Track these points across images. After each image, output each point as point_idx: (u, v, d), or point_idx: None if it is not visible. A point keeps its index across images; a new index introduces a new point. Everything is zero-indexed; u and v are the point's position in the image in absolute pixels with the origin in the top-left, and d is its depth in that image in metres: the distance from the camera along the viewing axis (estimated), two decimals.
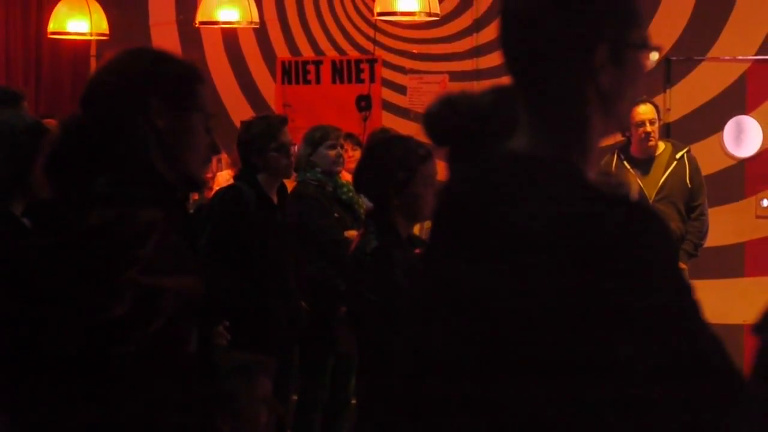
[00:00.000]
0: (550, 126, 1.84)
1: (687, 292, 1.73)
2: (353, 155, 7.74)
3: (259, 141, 5.93)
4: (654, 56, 1.89)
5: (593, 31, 1.81)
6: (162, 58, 2.60)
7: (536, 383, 1.71)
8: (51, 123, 4.32)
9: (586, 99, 1.83)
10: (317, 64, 10.13)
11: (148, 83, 2.53)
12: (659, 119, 7.65)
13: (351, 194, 6.60)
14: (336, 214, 6.57)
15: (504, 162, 1.84)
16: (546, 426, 1.72)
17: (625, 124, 1.93)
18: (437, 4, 8.05)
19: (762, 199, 8.93)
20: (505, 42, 1.88)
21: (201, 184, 2.70)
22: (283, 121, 6.17)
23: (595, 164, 1.87)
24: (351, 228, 6.49)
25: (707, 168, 8.07)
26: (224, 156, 8.83)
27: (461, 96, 2.73)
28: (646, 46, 1.87)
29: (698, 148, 8.16)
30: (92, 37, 9.04)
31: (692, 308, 1.73)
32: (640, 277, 1.69)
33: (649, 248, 1.71)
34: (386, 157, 4.11)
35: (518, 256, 1.74)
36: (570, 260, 1.70)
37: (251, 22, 8.51)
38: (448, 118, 2.70)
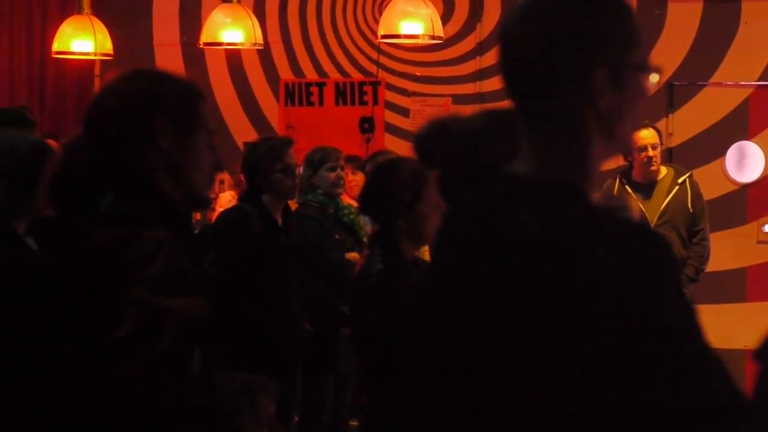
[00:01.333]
0: (551, 150, 1.85)
1: (691, 314, 1.74)
2: (354, 179, 7.74)
3: (264, 162, 5.93)
4: (654, 78, 1.89)
5: (592, 54, 1.81)
6: (161, 78, 2.61)
7: (546, 392, 1.72)
8: (53, 144, 4.32)
9: (586, 122, 1.83)
10: (320, 86, 10.16)
11: (151, 104, 2.53)
12: (661, 144, 7.66)
13: (352, 216, 6.61)
14: (337, 236, 6.57)
15: (509, 186, 1.84)
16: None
17: (628, 146, 1.93)
18: (441, 28, 8.08)
19: (764, 225, 8.93)
20: (505, 66, 1.88)
21: (206, 203, 2.70)
22: (288, 142, 6.17)
23: (596, 187, 1.87)
24: (352, 250, 6.50)
25: (709, 193, 8.07)
26: (227, 177, 8.84)
27: (451, 119, 2.75)
28: (646, 68, 1.87)
29: (700, 173, 8.17)
30: (96, 57, 9.07)
31: (696, 330, 1.73)
32: (648, 300, 1.69)
33: (658, 271, 1.72)
34: (393, 179, 4.10)
35: (529, 279, 1.75)
36: (582, 281, 1.70)
37: (255, 44, 8.53)
38: (437, 141, 2.72)
